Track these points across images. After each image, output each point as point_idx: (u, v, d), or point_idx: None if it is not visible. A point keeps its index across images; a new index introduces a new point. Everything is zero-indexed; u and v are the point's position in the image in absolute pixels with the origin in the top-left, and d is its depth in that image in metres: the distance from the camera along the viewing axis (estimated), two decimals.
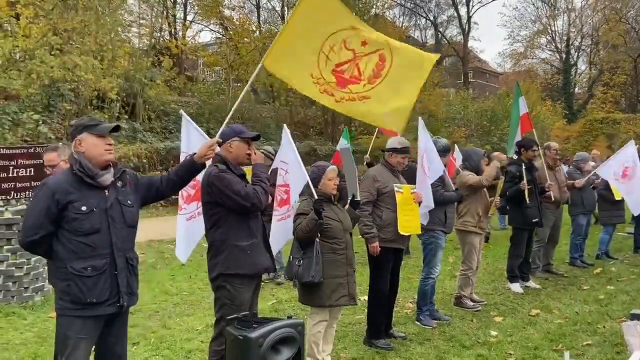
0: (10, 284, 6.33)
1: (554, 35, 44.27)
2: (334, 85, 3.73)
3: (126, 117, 17.33)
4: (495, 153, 6.25)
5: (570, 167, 8.62)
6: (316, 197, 4.10)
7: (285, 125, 5.33)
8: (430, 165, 5.33)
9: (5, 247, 6.35)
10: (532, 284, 7.02)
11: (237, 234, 3.59)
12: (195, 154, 3.40)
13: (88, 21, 16.34)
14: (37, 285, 6.56)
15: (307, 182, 4.26)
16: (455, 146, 8.45)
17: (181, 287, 7.12)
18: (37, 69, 13.88)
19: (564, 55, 43.86)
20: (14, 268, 6.35)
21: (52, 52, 14.46)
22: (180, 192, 4.90)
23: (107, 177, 3.05)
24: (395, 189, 4.89)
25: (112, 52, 17.20)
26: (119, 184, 3.13)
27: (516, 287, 6.81)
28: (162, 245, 9.88)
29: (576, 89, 45.81)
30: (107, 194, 3.05)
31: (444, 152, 5.65)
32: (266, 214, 4.12)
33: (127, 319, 3.28)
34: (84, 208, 2.95)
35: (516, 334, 5.23)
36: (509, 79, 46.29)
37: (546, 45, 45.30)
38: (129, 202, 3.15)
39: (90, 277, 2.94)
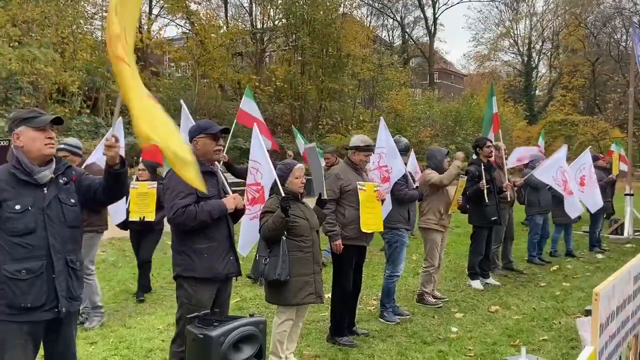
0: None
1: (516, 38, 45.41)
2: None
3: (88, 111, 16.93)
4: (457, 153, 6.34)
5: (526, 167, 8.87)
6: (283, 194, 4.09)
7: (255, 124, 5.30)
8: (393, 165, 5.37)
9: None
10: (492, 281, 7.18)
11: (194, 236, 3.51)
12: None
13: (48, 12, 15.91)
14: None
15: (275, 180, 4.25)
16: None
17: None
18: None
19: (525, 58, 45.01)
20: None
21: (11, 44, 14.01)
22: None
23: (45, 174, 2.85)
24: (359, 186, 4.92)
25: (74, 44, 16.79)
26: (62, 180, 2.94)
27: (477, 284, 6.96)
28: (123, 243, 9.68)
29: (537, 91, 47.06)
30: (45, 191, 2.86)
31: (405, 151, 5.77)
32: None
33: (75, 322, 3.12)
34: (17, 207, 2.77)
35: (476, 330, 5.35)
36: (473, 81, 47.24)
37: (509, 48, 46.46)
38: (71, 200, 2.95)
39: (25, 280, 2.76)
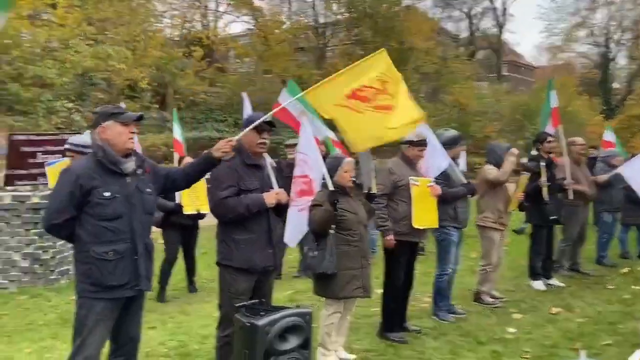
0: (37, 266, 6.55)
1: (592, 28, 42.99)
2: (344, 98, 4.04)
3: (156, 106, 17.64)
4: (512, 149, 6.03)
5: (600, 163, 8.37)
6: (332, 188, 4.09)
7: (304, 117, 5.30)
8: (432, 160, 5.21)
9: (32, 230, 6.56)
10: (555, 282, 6.87)
11: (233, 227, 3.59)
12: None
13: (121, 11, 16.66)
14: (62, 268, 6.76)
15: (324, 173, 4.26)
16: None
17: (202, 274, 7.21)
18: (71, 58, 14.24)
19: (602, 50, 42.58)
20: (40, 251, 6.56)
21: (87, 42, 14.80)
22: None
23: (130, 165, 3.13)
24: (411, 181, 4.84)
25: (145, 42, 17.51)
26: (139, 171, 3.20)
27: (538, 284, 6.69)
28: None
29: (615, 84, 44.45)
30: (128, 181, 3.12)
31: (449, 144, 5.48)
32: None
33: (143, 303, 3.34)
34: (107, 194, 3.02)
35: (534, 331, 5.15)
36: (546, 73, 45.18)
37: (584, 39, 44.05)
38: (147, 190, 3.22)
39: (112, 261, 3.02)
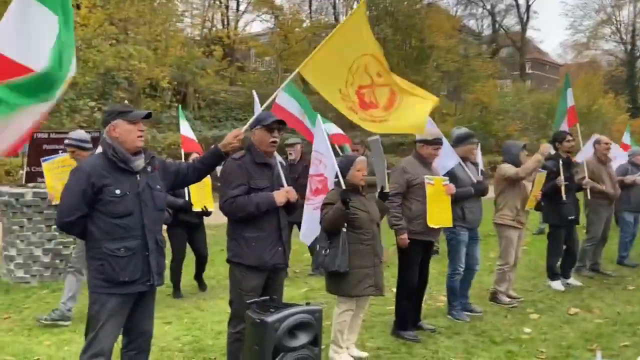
0: (58, 261, 6.67)
1: (618, 25, 42.21)
2: (357, 105, 4.00)
3: (177, 105, 17.81)
4: (543, 145, 5.95)
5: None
6: (344, 187, 4.10)
7: (318, 115, 5.33)
8: (438, 159, 5.15)
9: (53, 226, 6.68)
10: (574, 281, 6.76)
11: (244, 225, 3.61)
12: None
13: (143, 11, 16.88)
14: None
15: (336, 172, 4.27)
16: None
17: (218, 270, 7.28)
18: (93, 58, 14.47)
19: (629, 47, 41.76)
20: (61, 247, 6.68)
21: (109, 42, 15.02)
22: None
23: (140, 163, 3.16)
24: (426, 180, 4.81)
25: (166, 41, 17.70)
26: (149, 169, 3.23)
27: (557, 284, 6.59)
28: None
29: None
30: (138, 178, 3.15)
31: (457, 142, 5.44)
32: None
33: (154, 297, 3.38)
34: (118, 192, 3.06)
35: (551, 332, 5.08)
36: (571, 71, 44.44)
37: (610, 36, 43.27)
38: (158, 186, 3.25)
39: (123, 257, 3.06)
